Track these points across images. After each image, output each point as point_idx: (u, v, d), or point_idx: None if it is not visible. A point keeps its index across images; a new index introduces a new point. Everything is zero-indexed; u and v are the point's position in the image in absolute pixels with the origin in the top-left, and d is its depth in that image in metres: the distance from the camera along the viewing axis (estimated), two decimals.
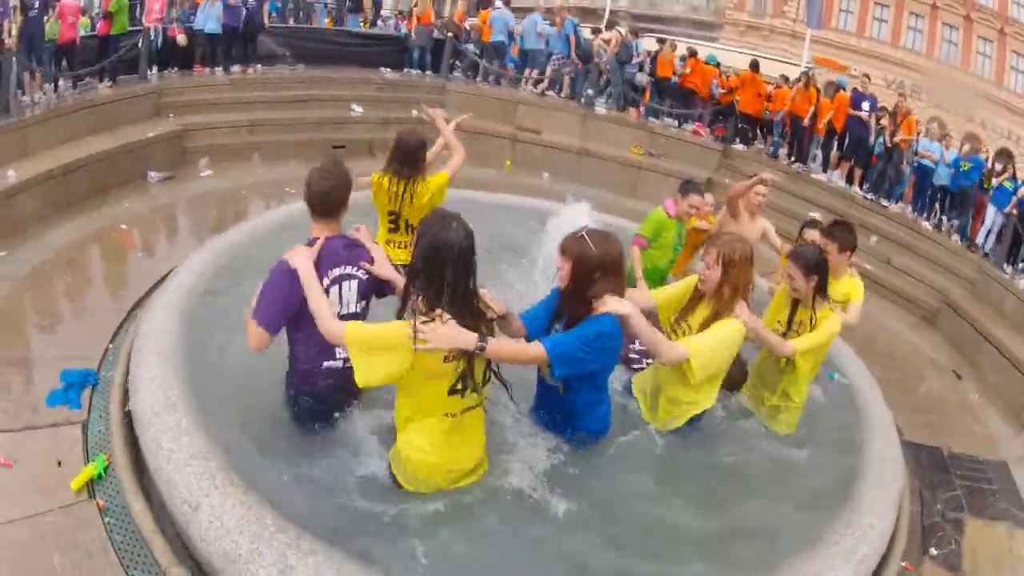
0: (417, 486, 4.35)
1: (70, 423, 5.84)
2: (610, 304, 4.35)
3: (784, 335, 5.87)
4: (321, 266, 4.53)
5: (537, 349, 4.27)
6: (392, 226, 6.80)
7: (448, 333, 3.94)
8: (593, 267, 4.40)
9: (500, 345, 4.20)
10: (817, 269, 5.62)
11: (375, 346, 3.97)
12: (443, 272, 3.98)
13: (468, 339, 3.98)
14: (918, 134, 15.89)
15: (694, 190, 8.27)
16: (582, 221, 7.73)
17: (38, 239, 9.56)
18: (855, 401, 7.00)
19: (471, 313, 4.12)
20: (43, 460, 5.36)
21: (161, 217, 11.19)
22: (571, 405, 4.78)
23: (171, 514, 4.40)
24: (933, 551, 6.49)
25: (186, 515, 4.17)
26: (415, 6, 20.38)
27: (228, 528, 3.96)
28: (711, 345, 4.96)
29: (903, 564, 5.90)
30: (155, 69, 15.44)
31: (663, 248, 8.32)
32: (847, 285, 7.09)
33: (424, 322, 3.91)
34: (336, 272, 4.66)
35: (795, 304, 5.88)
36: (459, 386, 4.15)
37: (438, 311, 4.00)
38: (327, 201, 4.62)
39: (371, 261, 4.77)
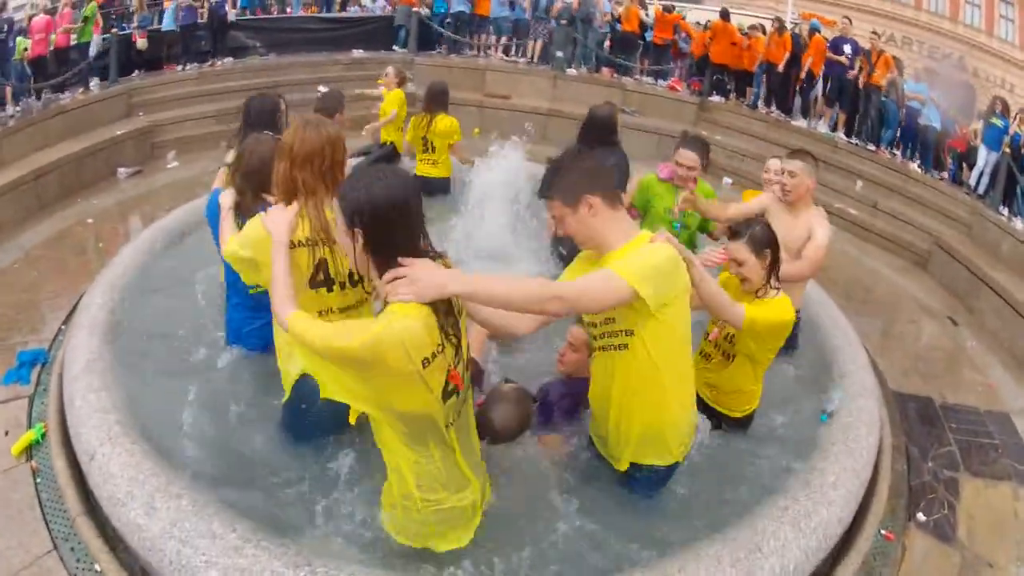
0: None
1: (19, 398, 6.11)
2: None
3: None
4: None
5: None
6: (423, 148, 9.70)
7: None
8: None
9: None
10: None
11: None
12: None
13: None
14: (901, 74, 15.77)
15: (684, 144, 6.76)
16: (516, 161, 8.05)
17: (11, 242, 9.80)
18: (826, 344, 6.66)
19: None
20: None
21: (125, 209, 11.37)
22: None
23: (78, 465, 4.71)
24: (921, 516, 5.79)
25: (86, 464, 4.48)
26: None
27: (112, 473, 4.19)
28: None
29: (883, 532, 5.41)
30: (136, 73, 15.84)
31: (654, 221, 6.96)
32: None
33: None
34: None
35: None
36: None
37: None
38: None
39: None
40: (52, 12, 14.99)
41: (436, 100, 9.61)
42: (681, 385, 4.12)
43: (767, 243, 4.79)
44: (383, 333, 3.08)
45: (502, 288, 3.39)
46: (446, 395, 3.38)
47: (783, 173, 6.21)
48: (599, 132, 7.40)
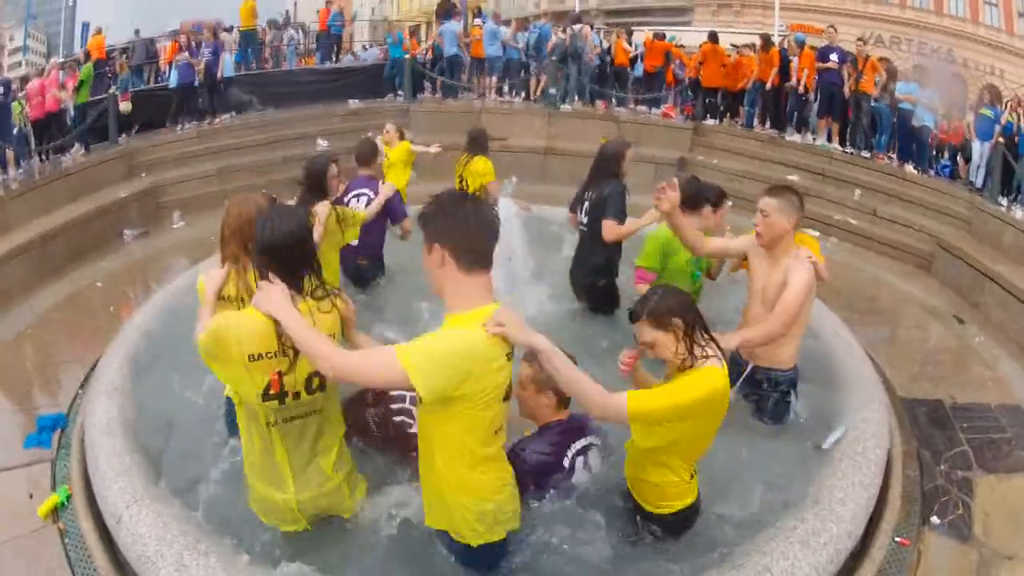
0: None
1: (42, 461, 6.28)
2: None
3: None
4: None
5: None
6: (458, 184, 10.09)
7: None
8: None
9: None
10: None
11: None
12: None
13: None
14: (892, 76, 15.78)
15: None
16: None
17: (23, 305, 10.02)
18: (830, 357, 6.64)
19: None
20: (17, 494, 5.83)
21: (134, 271, 11.55)
22: None
23: (105, 526, 4.87)
24: (935, 519, 5.77)
25: (113, 526, 4.65)
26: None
27: (140, 534, 4.33)
28: None
29: (897, 539, 5.38)
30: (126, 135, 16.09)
31: (675, 276, 6.66)
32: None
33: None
34: None
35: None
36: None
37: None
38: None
39: None
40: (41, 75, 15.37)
41: (476, 143, 10.16)
42: (471, 473, 3.72)
43: (670, 312, 4.05)
44: (224, 322, 3.81)
45: (296, 332, 3.57)
46: (267, 396, 3.85)
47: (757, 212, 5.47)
48: (605, 164, 7.51)
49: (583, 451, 4.61)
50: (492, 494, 3.79)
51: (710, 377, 3.91)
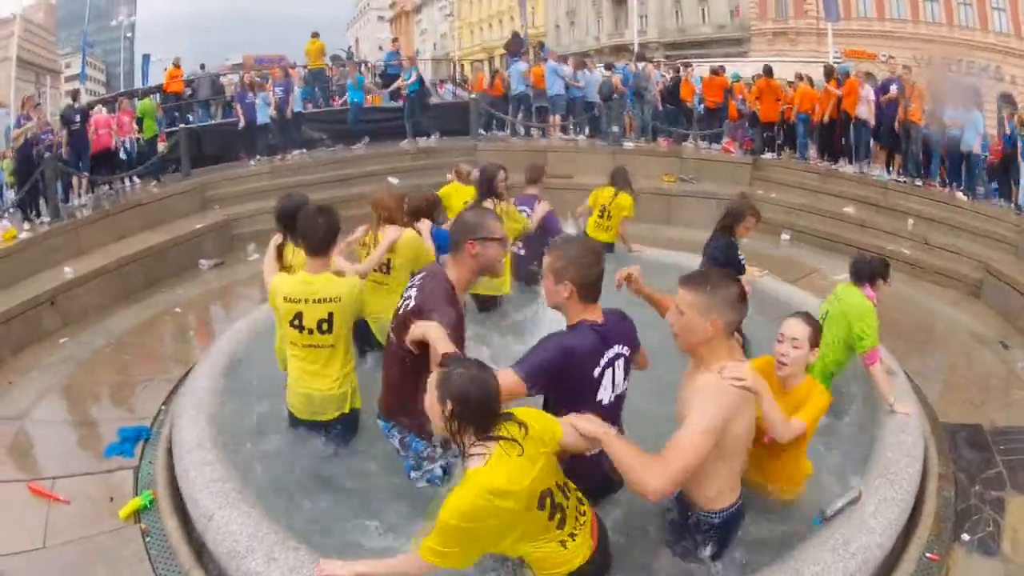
0: None
1: (123, 469, 6.77)
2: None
3: None
4: (604, 343, 4.30)
5: None
6: (599, 217, 10.96)
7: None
8: None
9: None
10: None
11: None
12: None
13: None
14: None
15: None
16: None
17: (98, 325, 10.65)
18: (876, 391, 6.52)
19: None
20: (98, 497, 6.32)
21: (210, 299, 12.06)
22: None
23: (193, 525, 5.29)
24: (965, 536, 5.88)
25: (202, 524, 5.04)
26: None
27: (232, 531, 4.75)
28: None
29: (928, 555, 5.51)
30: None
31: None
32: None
33: None
34: (612, 352, 4.34)
35: None
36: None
37: None
38: (595, 286, 4.34)
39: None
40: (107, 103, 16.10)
41: (620, 178, 11.07)
42: None
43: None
44: (275, 279, 5.80)
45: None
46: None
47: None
48: (723, 220, 7.80)
49: (611, 362, 4.34)
50: None
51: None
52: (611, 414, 4.29)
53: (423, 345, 4.33)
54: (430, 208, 8.00)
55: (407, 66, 20.79)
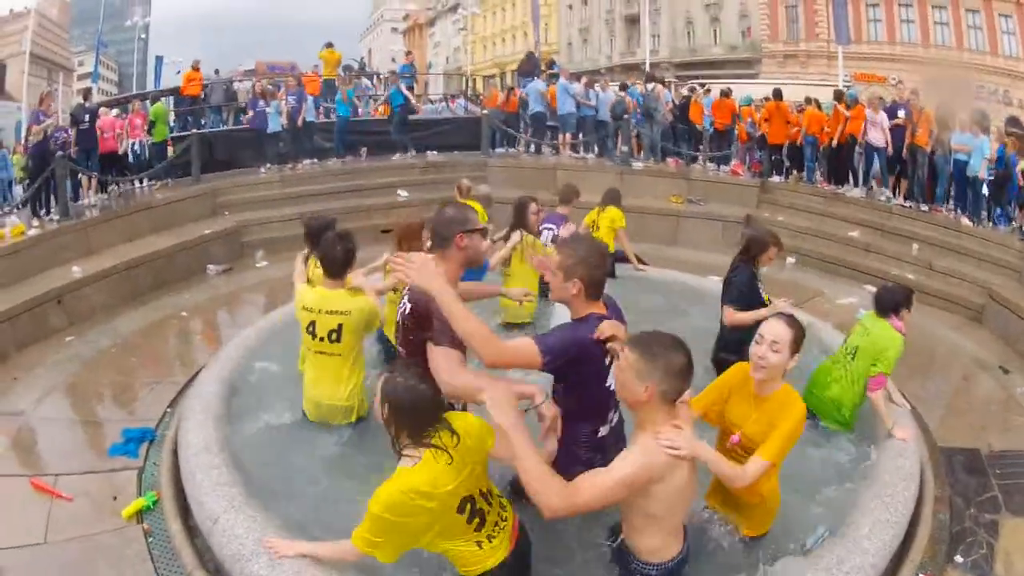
0: None
1: (127, 469, 6.83)
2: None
3: None
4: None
5: None
6: (593, 229, 11.20)
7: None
8: None
9: None
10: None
11: None
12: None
13: None
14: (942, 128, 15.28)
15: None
16: None
17: (105, 325, 10.76)
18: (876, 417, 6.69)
19: None
20: (101, 496, 6.37)
21: (219, 304, 12.14)
22: None
23: (198, 527, 5.46)
24: (958, 558, 5.96)
25: (207, 527, 5.15)
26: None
27: (237, 534, 4.83)
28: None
29: (921, 575, 5.65)
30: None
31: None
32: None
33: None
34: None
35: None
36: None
37: None
38: (601, 284, 4.59)
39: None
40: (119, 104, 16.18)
41: (610, 198, 11.56)
42: None
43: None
44: (299, 290, 6.56)
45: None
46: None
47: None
48: (745, 249, 7.77)
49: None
50: None
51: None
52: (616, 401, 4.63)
53: None
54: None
55: (419, 80, 20.90)
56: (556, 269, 4.41)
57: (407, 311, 4.60)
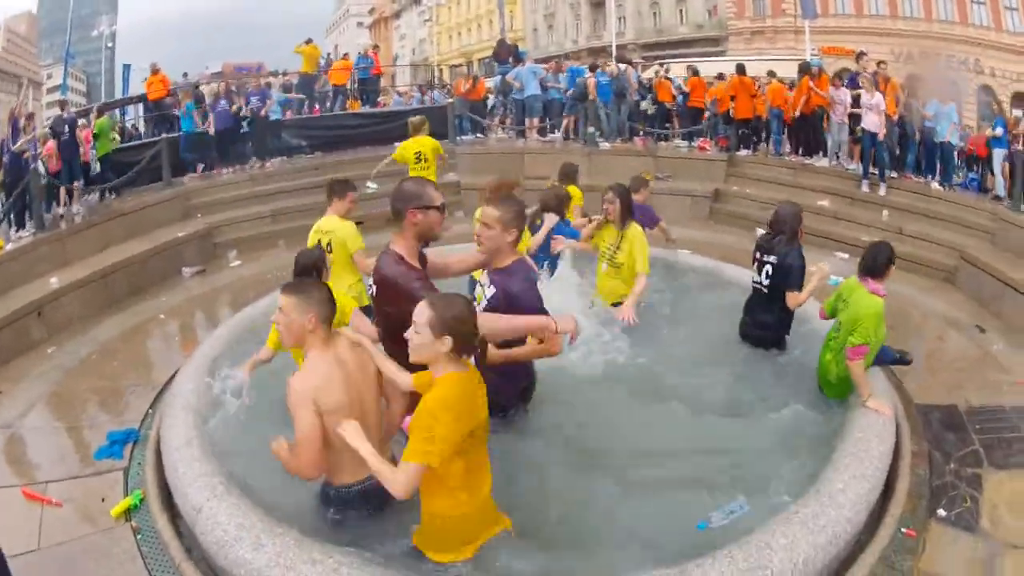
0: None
1: (113, 471, 6.92)
2: None
3: None
4: None
5: None
6: None
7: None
8: None
9: None
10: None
11: None
12: None
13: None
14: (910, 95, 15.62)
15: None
16: None
17: (84, 334, 10.80)
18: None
19: None
20: (90, 499, 6.47)
21: (195, 306, 12.20)
22: None
23: (183, 519, 5.59)
24: (941, 512, 5.96)
25: (191, 517, 5.28)
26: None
27: (219, 521, 4.97)
28: None
29: (903, 531, 5.65)
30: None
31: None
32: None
33: None
34: None
35: None
36: None
37: None
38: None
39: None
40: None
41: (567, 175, 11.07)
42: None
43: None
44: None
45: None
46: None
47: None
48: (786, 228, 7.81)
49: None
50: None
51: None
52: None
53: None
54: (560, 203, 8.84)
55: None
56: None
57: (373, 293, 5.04)
